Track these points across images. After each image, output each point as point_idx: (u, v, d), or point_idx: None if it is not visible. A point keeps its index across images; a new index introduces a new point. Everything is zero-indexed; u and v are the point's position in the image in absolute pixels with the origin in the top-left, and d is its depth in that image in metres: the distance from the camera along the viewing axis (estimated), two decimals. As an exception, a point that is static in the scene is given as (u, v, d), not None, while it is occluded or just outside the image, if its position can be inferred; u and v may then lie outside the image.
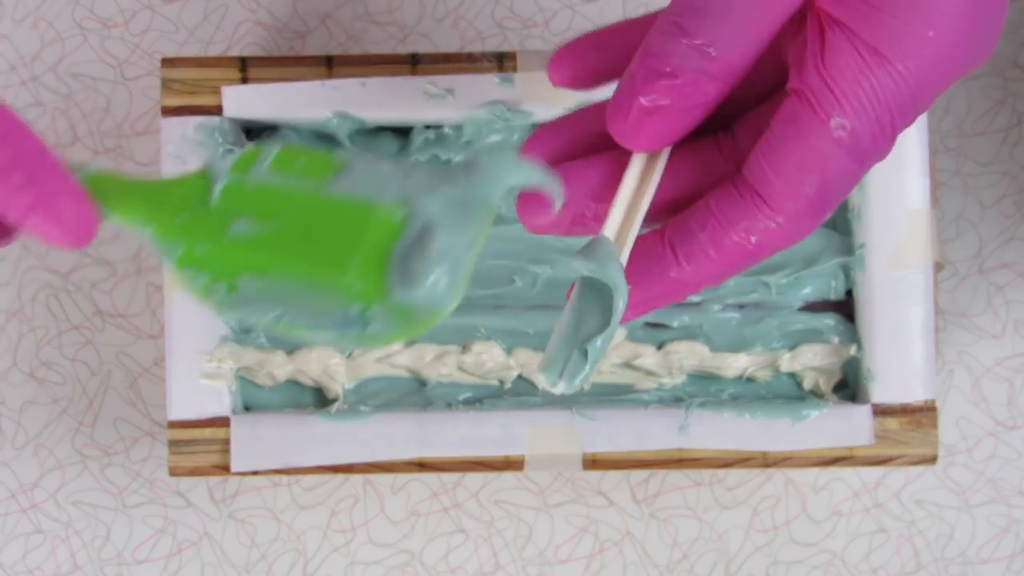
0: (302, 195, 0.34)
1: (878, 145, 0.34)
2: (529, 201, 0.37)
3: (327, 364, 0.55)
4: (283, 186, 0.34)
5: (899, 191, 0.53)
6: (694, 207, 0.36)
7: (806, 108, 0.34)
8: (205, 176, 0.35)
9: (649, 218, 0.37)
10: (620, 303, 0.35)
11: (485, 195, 0.34)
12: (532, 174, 0.35)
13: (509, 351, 0.55)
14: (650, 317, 0.55)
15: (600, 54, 0.38)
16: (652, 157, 0.37)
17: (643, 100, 0.35)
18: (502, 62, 0.53)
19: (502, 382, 0.55)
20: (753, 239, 0.35)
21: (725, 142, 0.38)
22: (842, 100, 0.34)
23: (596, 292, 0.36)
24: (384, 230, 0.33)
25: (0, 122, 0.35)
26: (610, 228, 0.36)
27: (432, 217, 0.33)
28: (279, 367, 0.54)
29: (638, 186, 0.37)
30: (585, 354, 0.36)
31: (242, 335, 0.54)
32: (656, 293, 0.37)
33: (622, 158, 0.37)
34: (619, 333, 0.55)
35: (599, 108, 0.38)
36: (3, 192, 0.34)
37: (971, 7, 0.34)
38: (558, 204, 0.36)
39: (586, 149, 0.38)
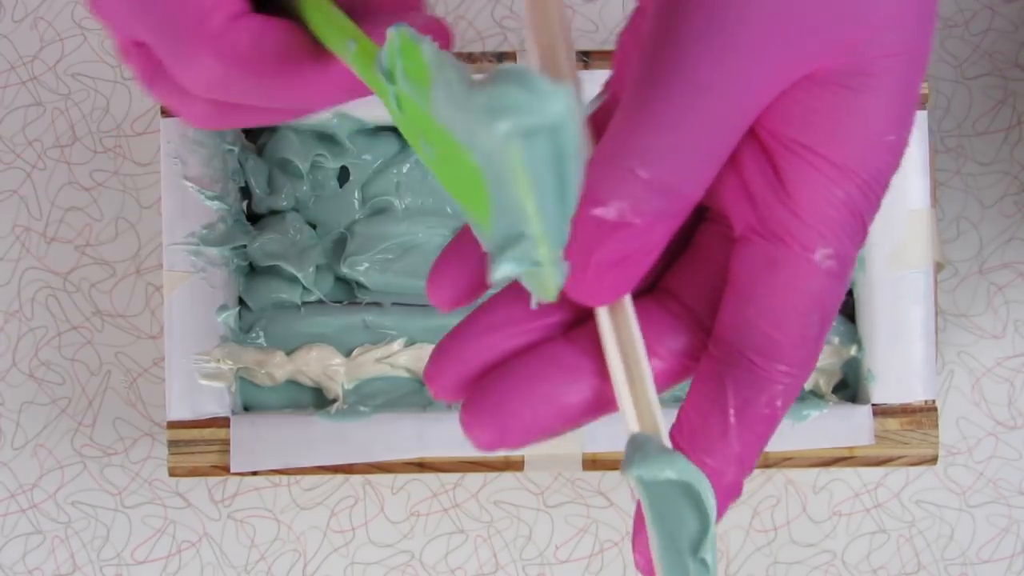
0: (429, 120, 0.30)
1: (855, 253, 0.32)
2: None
3: (327, 364, 0.55)
4: (420, 106, 0.30)
5: (899, 191, 0.53)
6: (696, 403, 0.32)
7: (781, 248, 0.30)
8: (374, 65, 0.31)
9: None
10: (709, 495, 0.31)
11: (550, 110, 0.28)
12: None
13: (509, 351, 0.55)
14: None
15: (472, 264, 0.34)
16: (616, 315, 0.32)
17: (602, 254, 0.30)
18: (502, 62, 0.53)
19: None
20: (779, 404, 0.31)
21: (669, 304, 0.33)
22: (820, 228, 0.30)
23: (669, 491, 0.32)
24: (478, 182, 0.29)
25: None
26: (631, 419, 0.32)
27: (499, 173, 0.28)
28: (279, 367, 0.54)
29: (623, 352, 0.32)
30: (704, 564, 0.31)
31: (242, 335, 0.54)
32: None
33: (574, 344, 0.32)
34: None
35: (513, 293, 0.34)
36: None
37: (918, 82, 0.31)
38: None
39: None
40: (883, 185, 0.32)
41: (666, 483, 0.31)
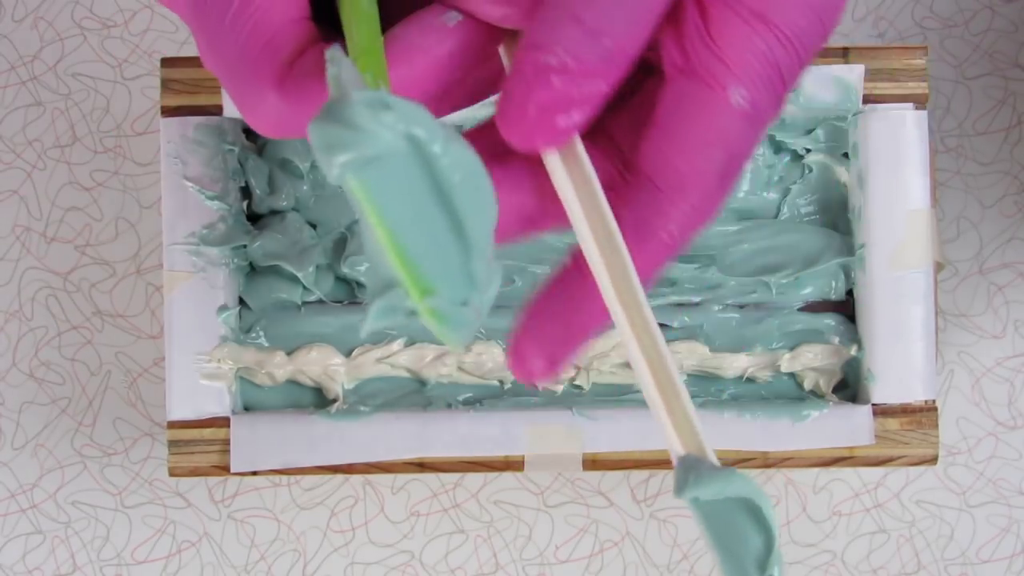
0: None
1: (772, 109, 0.33)
2: None
3: (327, 364, 0.55)
4: None
5: (899, 191, 0.53)
6: None
7: (700, 85, 0.33)
8: None
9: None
10: (769, 509, 0.31)
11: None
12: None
13: (509, 351, 0.55)
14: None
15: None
16: (637, 324, 0.33)
17: (540, 97, 0.32)
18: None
19: (502, 382, 0.55)
20: (674, 230, 0.33)
21: (599, 140, 0.35)
22: (736, 71, 0.33)
23: (728, 509, 0.31)
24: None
25: None
26: (674, 440, 0.32)
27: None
28: (279, 367, 0.54)
29: (651, 369, 0.32)
30: None
31: (242, 335, 0.54)
32: (585, 326, 0.34)
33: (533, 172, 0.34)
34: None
35: (485, 127, 0.35)
36: None
37: None
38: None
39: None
40: (806, 47, 0.33)
41: (725, 502, 0.31)
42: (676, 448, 0.32)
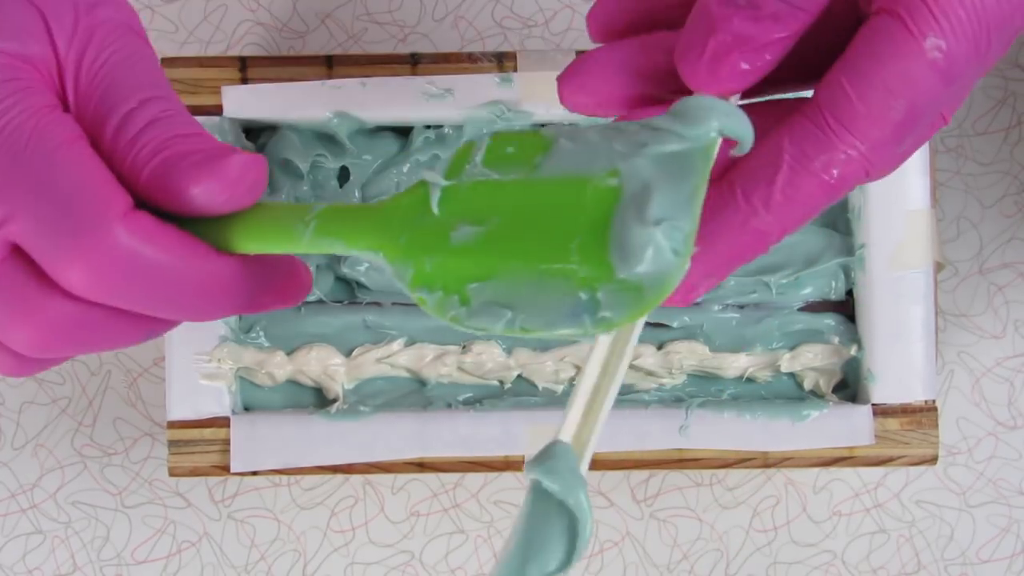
0: (515, 184, 0.31)
1: (970, 69, 0.32)
2: (570, 79, 0.35)
3: (327, 364, 0.55)
4: (497, 179, 0.32)
5: (899, 191, 0.53)
6: (761, 148, 0.33)
7: (899, 26, 0.31)
8: (423, 187, 0.33)
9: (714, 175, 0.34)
10: (585, 539, 0.31)
11: (698, 140, 0.30)
12: (739, 118, 0.31)
13: (509, 351, 0.55)
14: (650, 317, 0.55)
15: (634, 74, 0.35)
16: (620, 339, 0.33)
17: (721, 37, 0.32)
18: (502, 62, 0.53)
19: (502, 382, 0.55)
20: (834, 172, 0.32)
21: (792, 59, 0.34)
22: (940, 18, 0.31)
23: (555, 513, 0.32)
24: (600, 203, 0.30)
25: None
26: (569, 428, 0.33)
27: (646, 178, 0.30)
28: (279, 367, 0.54)
29: (602, 372, 0.33)
30: None
31: (242, 335, 0.54)
32: (736, 251, 0.33)
33: None
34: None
35: (662, 41, 0.35)
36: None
37: None
38: (747, 148, 0.32)
39: (650, 86, 0.35)
40: (1015, 26, 0.32)
41: (557, 503, 0.32)
42: (563, 434, 0.32)
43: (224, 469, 0.53)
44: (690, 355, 0.55)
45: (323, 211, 0.34)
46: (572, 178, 0.31)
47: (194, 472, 0.53)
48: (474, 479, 0.59)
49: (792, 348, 0.55)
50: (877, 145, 0.32)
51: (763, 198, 0.32)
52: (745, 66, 0.32)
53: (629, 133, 0.31)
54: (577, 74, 0.36)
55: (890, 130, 0.32)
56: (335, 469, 0.53)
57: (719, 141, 0.31)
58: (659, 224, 0.29)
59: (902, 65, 0.31)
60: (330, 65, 0.53)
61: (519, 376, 0.55)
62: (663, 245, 0.29)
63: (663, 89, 0.35)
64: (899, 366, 0.53)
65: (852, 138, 0.32)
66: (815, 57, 0.34)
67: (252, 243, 0.35)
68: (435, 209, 0.32)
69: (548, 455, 0.32)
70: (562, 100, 0.36)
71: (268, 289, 0.36)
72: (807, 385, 0.55)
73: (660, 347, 0.55)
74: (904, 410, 0.53)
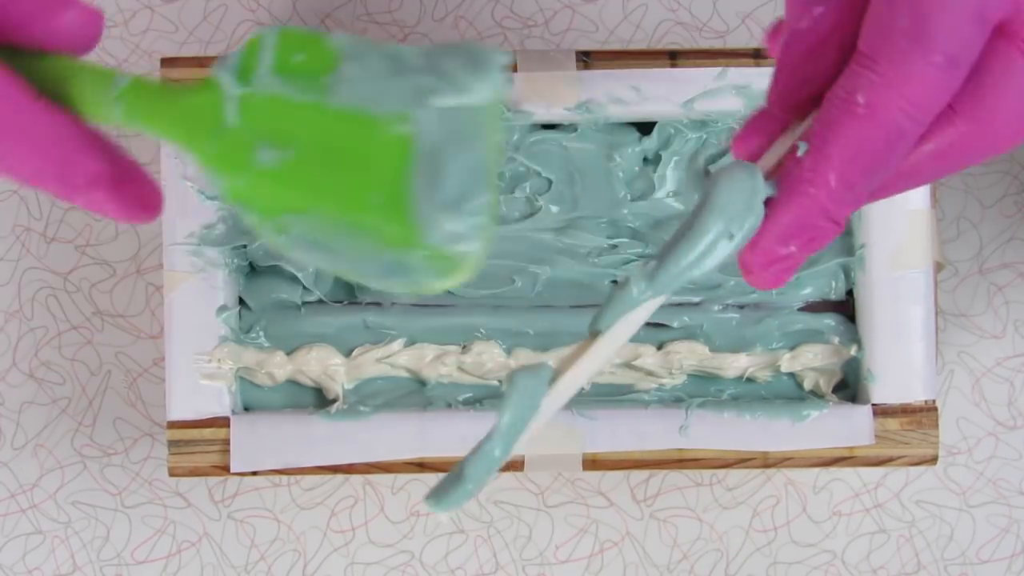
0: (309, 109, 0.31)
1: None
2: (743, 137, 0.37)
3: (327, 364, 0.55)
4: (289, 96, 0.31)
5: (899, 191, 0.53)
6: (830, 94, 0.34)
7: None
8: (216, 89, 0.32)
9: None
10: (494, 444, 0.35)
11: (483, 95, 0.30)
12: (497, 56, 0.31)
13: (509, 351, 0.55)
14: (651, 317, 0.55)
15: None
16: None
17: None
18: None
19: (502, 382, 0.55)
20: (862, 98, 0.32)
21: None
22: None
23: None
24: (393, 153, 0.30)
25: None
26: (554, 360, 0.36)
27: (437, 140, 0.29)
28: (279, 367, 0.54)
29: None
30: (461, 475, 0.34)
31: (242, 335, 0.54)
32: (801, 213, 0.34)
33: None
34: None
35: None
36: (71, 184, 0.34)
37: None
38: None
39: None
40: None
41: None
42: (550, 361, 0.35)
43: (224, 469, 0.53)
44: (690, 355, 0.55)
45: (129, 86, 0.34)
46: (362, 114, 0.30)
47: (194, 472, 0.53)
48: (474, 479, 0.58)
49: (792, 348, 0.55)
50: (895, 60, 0.32)
51: (815, 135, 0.33)
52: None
53: (414, 70, 0.30)
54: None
55: (900, 40, 0.32)
56: (335, 469, 0.53)
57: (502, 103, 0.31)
58: (457, 203, 0.29)
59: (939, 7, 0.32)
60: (330, 65, 0.53)
61: (519, 376, 0.55)
62: (458, 223, 0.29)
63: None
64: (899, 366, 0.53)
65: (874, 66, 0.32)
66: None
67: (68, 96, 0.34)
68: (231, 120, 0.32)
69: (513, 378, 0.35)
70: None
71: (109, 178, 0.35)
72: (807, 385, 0.55)
73: (660, 347, 0.55)
74: (904, 410, 0.53)
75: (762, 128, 0.37)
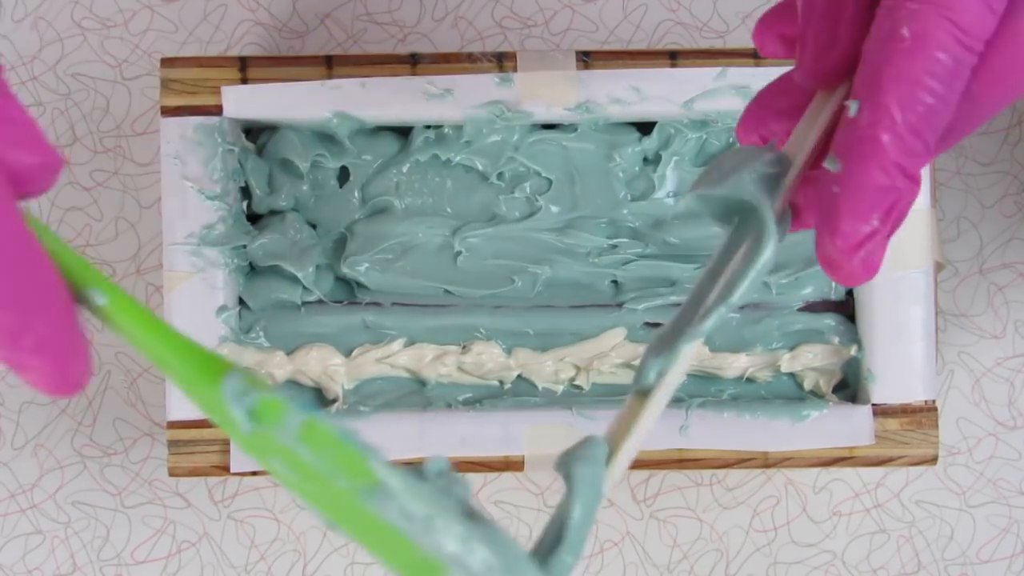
0: (340, 491, 0.32)
1: None
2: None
3: (327, 364, 0.55)
4: (316, 467, 0.32)
5: (899, 191, 0.53)
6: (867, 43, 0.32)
7: None
8: (220, 397, 0.32)
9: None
10: (584, 507, 0.33)
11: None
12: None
13: (509, 351, 0.55)
14: (650, 316, 0.55)
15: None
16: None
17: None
18: (502, 62, 0.53)
19: (502, 382, 0.55)
20: (907, 30, 0.30)
21: None
22: None
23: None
24: (427, 562, 0.32)
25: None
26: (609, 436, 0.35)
27: None
28: (279, 367, 0.54)
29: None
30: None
31: (242, 335, 0.54)
32: (875, 174, 0.32)
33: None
34: (619, 332, 0.55)
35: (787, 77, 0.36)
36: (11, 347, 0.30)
37: None
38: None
39: (785, 118, 0.36)
40: None
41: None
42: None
43: (224, 469, 0.53)
44: (690, 355, 0.55)
45: (109, 305, 0.32)
46: (402, 535, 0.32)
47: (194, 472, 0.53)
48: (474, 479, 0.58)
49: (792, 348, 0.55)
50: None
51: (864, 87, 0.31)
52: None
53: (458, 535, 0.32)
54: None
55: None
56: (335, 469, 0.53)
57: None
58: None
59: None
60: (330, 65, 0.53)
61: (519, 376, 0.55)
62: None
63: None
64: (899, 366, 0.53)
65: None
66: None
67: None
68: (240, 432, 0.32)
69: (581, 448, 0.34)
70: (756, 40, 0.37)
71: (55, 349, 0.31)
72: (807, 385, 0.55)
73: (660, 347, 0.55)
74: (904, 410, 0.53)
75: (773, 104, 0.36)
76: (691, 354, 0.34)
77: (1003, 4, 0.31)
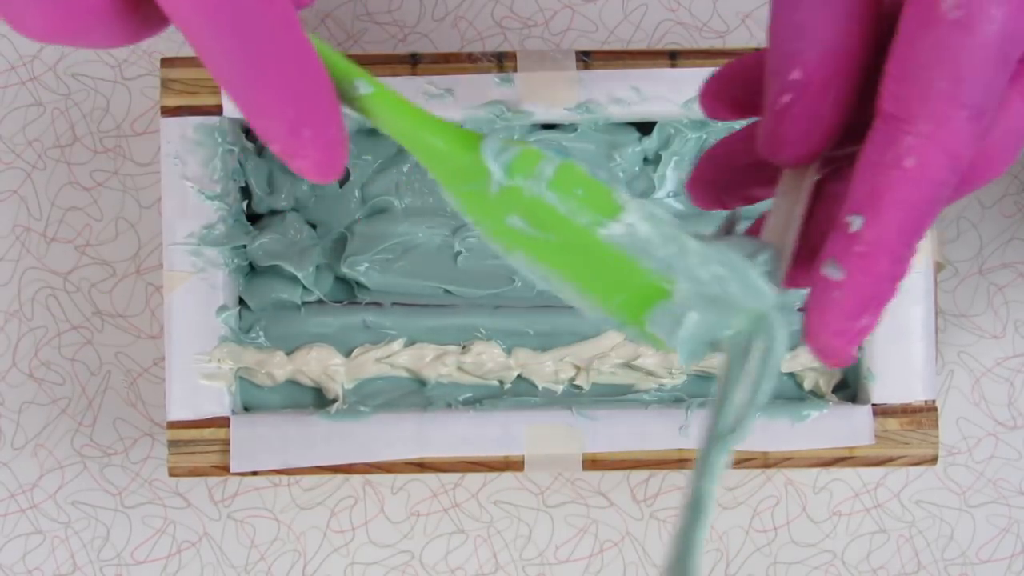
0: (578, 227, 0.34)
1: (995, 15, 0.32)
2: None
3: (327, 364, 0.55)
4: (560, 210, 0.34)
5: (899, 191, 0.53)
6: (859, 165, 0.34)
7: (915, 3, 0.32)
8: (481, 163, 0.34)
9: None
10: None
11: (749, 311, 0.35)
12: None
13: (509, 351, 0.55)
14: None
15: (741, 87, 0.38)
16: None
17: (781, 99, 0.34)
18: (502, 62, 0.53)
19: (502, 382, 0.55)
20: (910, 161, 0.32)
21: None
22: None
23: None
24: (649, 289, 0.34)
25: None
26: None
27: (690, 305, 0.34)
28: (278, 367, 0.54)
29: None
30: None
31: (242, 335, 0.54)
32: (871, 280, 0.34)
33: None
34: (619, 333, 0.55)
35: (747, 133, 0.38)
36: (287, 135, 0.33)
37: None
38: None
39: (744, 177, 0.39)
40: None
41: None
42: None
43: (224, 469, 0.53)
44: (690, 355, 0.55)
45: (372, 95, 0.35)
46: (633, 259, 0.34)
47: (194, 472, 0.53)
48: (474, 479, 0.59)
49: (792, 348, 0.55)
50: (935, 120, 0.32)
51: (866, 207, 0.33)
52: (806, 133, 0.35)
53: (698, 256, 0.34)
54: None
55: (944, 103, 0.32)
56: (335, 469, 0.53)
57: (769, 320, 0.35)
58: (685, 339, 0.34)
59: (928, 37, 0.32)
60: (330, 65, 0.53)
61: (519, 376, 0.55)
62: (681, 346, 0.35)
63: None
64: (899, 366, 0.53)
65: (912, 125, 0.32)
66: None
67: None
68: (493, 192, 0.34)
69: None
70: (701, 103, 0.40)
71: (328, 142, 0.35)
72: (807, 385, 0.55)
73: (660, 347, 0.55)
74: (904, 410, 0.53)
75: (721, 176, 0.39)
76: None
77: (987, 125, 0.33)
